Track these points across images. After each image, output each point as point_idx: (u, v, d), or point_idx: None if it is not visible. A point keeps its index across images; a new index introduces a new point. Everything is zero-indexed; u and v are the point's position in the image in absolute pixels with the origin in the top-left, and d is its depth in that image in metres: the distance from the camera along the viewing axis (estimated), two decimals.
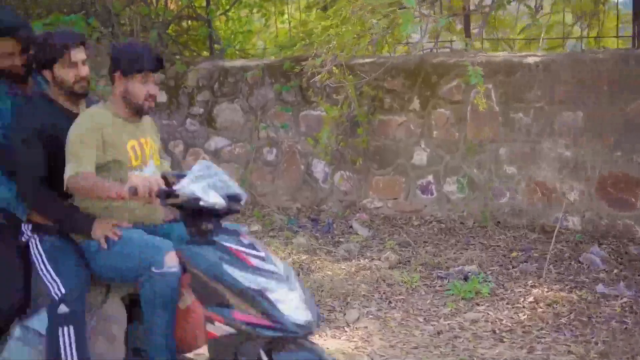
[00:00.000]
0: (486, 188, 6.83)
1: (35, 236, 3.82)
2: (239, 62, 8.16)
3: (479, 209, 6.88)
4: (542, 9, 7.58)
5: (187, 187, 3.34)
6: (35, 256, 3.78)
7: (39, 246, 3.79)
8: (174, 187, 3.40)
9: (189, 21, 9.27)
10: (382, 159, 7.28)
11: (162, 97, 8.29)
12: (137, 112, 3.80)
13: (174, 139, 8.27)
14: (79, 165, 3.57)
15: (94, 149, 3.64)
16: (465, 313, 5.21)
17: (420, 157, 7.14)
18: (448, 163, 7.02)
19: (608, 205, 6.41)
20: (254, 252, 3.42)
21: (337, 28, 6.86)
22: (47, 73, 3.78)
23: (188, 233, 3.51)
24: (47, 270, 3.71)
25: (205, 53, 8.97)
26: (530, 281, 5.63)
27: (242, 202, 3.54)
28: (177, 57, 8.44)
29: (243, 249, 3.40)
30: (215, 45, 8.78)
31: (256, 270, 3.32)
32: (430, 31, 7.57)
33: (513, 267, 5.95)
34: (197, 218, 3.44)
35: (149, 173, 3.80)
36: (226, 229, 3.49)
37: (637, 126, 6.24)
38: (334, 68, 6.79)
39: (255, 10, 9.33)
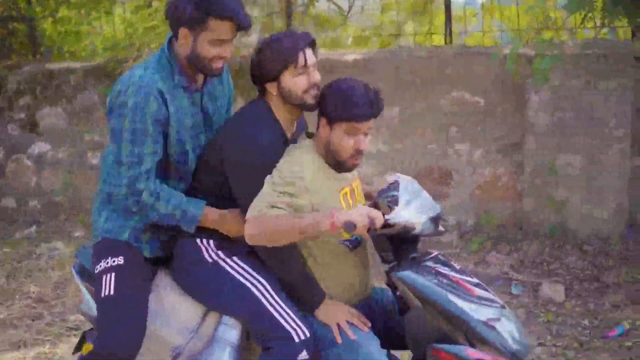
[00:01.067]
0: None
1: (239, 261, 3.13)
2: (62, 65, 7.97)
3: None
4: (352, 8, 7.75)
5: (402, 215, 2.90)
6: (260, 289, 3.05)
7: (257, 275, 3.08)
8: (387, 217, 2.87)
9: (13, 23, 8.98)
10: None
11: None
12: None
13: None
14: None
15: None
16: None
17: None
18: None
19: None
20: (468, 278, 3.02)
21: (160, 28, 6.83)
22: (271, 86, 3.08)
23: (393, 259, 3.02)
24: (281, 307, 3.01)
25: (31, 56, 8.73)
26: None
27: (445, 225, 3.16)
28: None
29: (459, 275, 3.00)
30: (42, 48, 8.56)
31: (479, 300, 2.93)
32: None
33: None
34: (398, 242, 3.00)
35: None
36: (427, 251, 3.10)
37: (450, 119, 6.49)
38: None
39: (83, 11, 9.13)
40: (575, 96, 6.02)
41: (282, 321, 2.96)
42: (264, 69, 3.03)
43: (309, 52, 3.05)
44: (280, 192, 2.91)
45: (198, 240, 3.13)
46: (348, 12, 6.59)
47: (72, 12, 9.11)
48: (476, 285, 2.99)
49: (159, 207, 3.04)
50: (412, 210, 2.92)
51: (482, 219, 6.44)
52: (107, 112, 3.17)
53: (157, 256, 3.26)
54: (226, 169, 3.05)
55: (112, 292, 3.10)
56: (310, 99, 3.04)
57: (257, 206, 2.88)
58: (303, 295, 3.02)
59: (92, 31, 9.10)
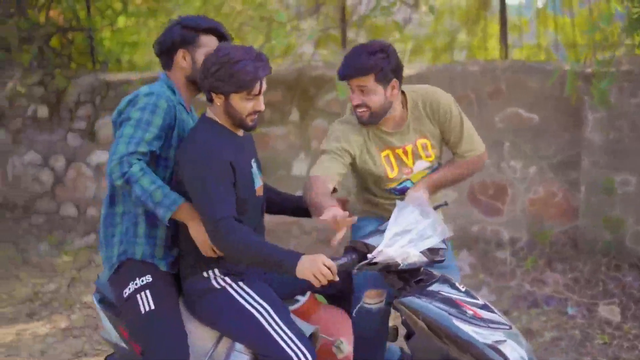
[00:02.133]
0: None
1: (245, 286, 3.26)
2: (120, 76, 8.13)
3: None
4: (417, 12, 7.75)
5: (384, 253, 2.99)
6: (264, 316, 3.16)
7: (262, 300, 3.21)
8: (369, 256, 3.00)
9: (73, 33, 9.16)
10: (263, 170, 7.35)
11: (44, 112, 8.23)
12: None
13: (54, 153, 8.19)
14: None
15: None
16: None
17: (300, 168, 7.26)
18: None
19: (478, 211, 6.66)
20: (474, 300, 3.08)
21: None
22: (217, 97, 3.19)
23: (399, 283, 3.15)
24: (284, 331, 3.13)
25: (91, 66, 8.90)
26: None
27: (443, 254, 3.18)
28: (59, 70, 8.34)
29: (464, 298, 3.07)
30: (99, 57, 8.72)
31: (485, 322, 2.98)
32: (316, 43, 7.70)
33: None
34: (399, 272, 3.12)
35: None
36: (433, 274, 3.18)
37: (504, 135, 6.49)
38: None
39: (142, 21, 9.28)
40: (632, 114, 5.98)
41: (284, 346, 3.07)
42: (218, 83, 3.11)
43: (264, 81, 3.17)
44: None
45: (204, 273, 3.24)
46: (404, 25, 6.61)
47: (130, 21, 9.27)
48: (482, 307, 3.05)
49: (143, 182, 3.11)
50: (397, 246, 3.00)
51: (536, 236, 6.42)
52: (114, 117, 3.36)
53: (173, 273, 3.36)
54: (185, 181, 3.14)
55: (152, 307, 3.24)
56: (249, 122, 3.20)
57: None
58: (278, 266, 2.98)
59: (149, 41, 9.23)
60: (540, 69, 6.44)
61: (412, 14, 6.46)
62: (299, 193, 7.10)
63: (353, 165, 3.59)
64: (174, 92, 3.39)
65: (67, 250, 7.22)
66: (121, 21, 9.30)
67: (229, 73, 3.07)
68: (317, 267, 2.90)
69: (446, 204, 3.64)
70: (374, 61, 3.38)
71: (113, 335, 3.47)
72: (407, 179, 3.64)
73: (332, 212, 2.97)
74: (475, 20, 8.48)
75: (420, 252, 3.05)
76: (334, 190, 3.43)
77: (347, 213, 3.00)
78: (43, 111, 8.31)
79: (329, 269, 2.92)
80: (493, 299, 5.58)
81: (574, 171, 6.29)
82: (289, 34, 6.38)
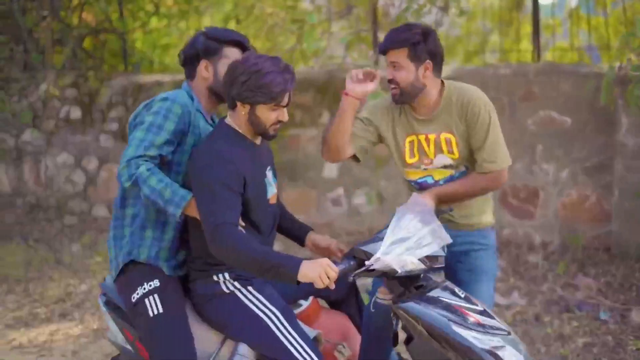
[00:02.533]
0: (394, 200, 6.97)
1: (254, 291, 3.27)
2: (152, 78, 8.18)
3: (387, 222, 7.01)
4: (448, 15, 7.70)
5: (381, 261, 3.00)
6: (273, 320, 3.18)
7: (271, 305, 3.23)
8: (367, 263, 3.00)
9: (106, 34, 9.23)
10: (293, 172, 7.39)
11: (76, 114, 8.30)
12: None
13: (87, 154, 8.27)
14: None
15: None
16: None
17: (330, 170, 7.26)
18: (357, 176, 7.16)
19: (510, 214, 6.62)
20: (473, 306, 3.09)
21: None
22: (243, 106, 3.18)
23: (400, 288, 3.15)
24: (292, 336, 3.16)
25: (123, 67, 8.97)
26: None
27: (442, 260, 3.17)
28: (92, 72, 8.42)
29: (463, 304, 3.08)
30: (132, 59, 8.79)
31: (483, 328, 2.99)
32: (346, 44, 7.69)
33: None
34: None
35: None
36: (433, 280, 3.17)
37: (536, 138, 6.45)
38: None
39: (174, 22, 9.33)
40: None
41: (293, 350, 3.10)
42: (247, 92, 3.11)
43: (291, 94, 3.19)
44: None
45: (214, 277, 3.25)
46: (436, 27, 6.57)
47: (162, 23, 9.33)
48: (481, 313, 3.05)
49: (151, 181, 3.12)
50: (394, 254, 3.00)
51: (568, 240, 6.37)
52: (131, 121, 3.40)
53: (177, 275, 3.38)
54: (192, 184, 3.14)
55: (161, 311, 3.26)
56: (272, 132, 3.22)
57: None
58: (277, 272, 2.95)
59: (181, 43, 9.28)
60: (573, 71, 6.39)
61: (444, 16, 6.42)
62: (330, 194, 7.10)
63: (382, 141, 3.70)
64: (192, 99, 3.41)
65: (99, 251, 7.28)
66: (153, 23, 9.37)
67: (259, 84, 3.08)
68: (322, 268, 2.91)
69: (451, 209, 3.58)
70: (409, 35, 3.43)
71: (119, 337, 3.50)
72: (429, 175, 3.63)
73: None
74: (507, 21, 8.44)
75: (419, 259, 3.05)
76: (355, 158, 3.64)
77: None
78: (76, 113, 8.39)
79: (334, 272, 2.94)
80: (524, 303, 5.54)
81: (607, 175, 6.23)
82: (321, 37, 6.38)
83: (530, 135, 6.49)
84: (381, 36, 7.60)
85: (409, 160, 3.62)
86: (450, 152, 3.56)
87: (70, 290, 6.28)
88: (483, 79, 6.62)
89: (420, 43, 3.43)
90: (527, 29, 8.17)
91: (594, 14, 7.91)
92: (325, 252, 3.49)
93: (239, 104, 3.15)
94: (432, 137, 3.56)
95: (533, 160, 6.50)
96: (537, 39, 7.07)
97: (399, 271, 3.01)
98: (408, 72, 3.46)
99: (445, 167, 3.60)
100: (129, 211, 3.40)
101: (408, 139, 3.60)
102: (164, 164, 3.28)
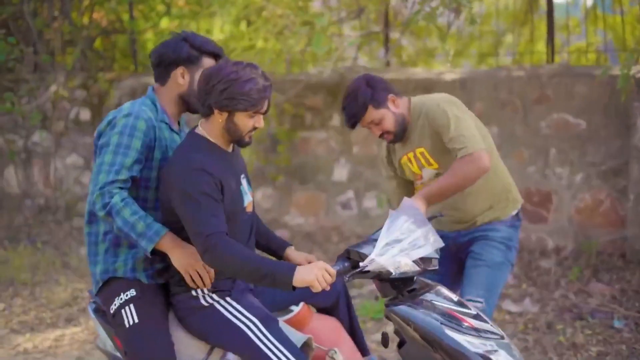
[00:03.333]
0: None
1: (232, 302, 3.28)
2: None
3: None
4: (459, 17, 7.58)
5: (376, 262, 3.02)
6: (252, 329, 3.18)
7: (250, 314, 3.23)
8: (361, 264, 3.04)
9: (116, 35, 9.18)
10: (303, 175, 7.32)
11: (86, 115, 8.26)
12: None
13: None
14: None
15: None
16: (372, 334, 5.24)
17: (340, 173, 7.18)
18: (368, 179, 7.08)
19: (522, 218, 6.50)
20: (466, 310, 3.12)
21: (256, 49, 6.90)
22: (220, 114, 3.15)
23: (392, 291, 3.19)
24: (273, 343, 3.16)
25: (134, 68, 8.91)
26: None
27: (436, 263, 3.19)
28: (101, 73, 8.37)
29: (457, 307, 3.11)
30: (142, 60, 8.73)
31: (477, 332, 3.02)
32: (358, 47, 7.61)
33: None
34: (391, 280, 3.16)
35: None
36: (427, 284, 3.23)
37: (550, 141, 6.34)
38: None
39: (185, 23, 9.26)
40: None
41: (273, 358, 3.10)
42: (226, 100, 3.09)
43: (270, 100, 3.20)
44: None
45: (193, 292, 3.25)
46: (448, 29, 6.49)
47: (173, 24, 9.26)
48: (474, 317, 3.08)
49: (125, 213, 3.13)
50: (388, 255, 3.02)
51: (582, 245, 6.26)
52: (95, 139, 3.37)
53: (157, 282, 3.37)
54: (172, 197, 3.13)
55: (136, 320, 3.27)
56: (247, 139, 3.22)
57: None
58: (272, 279, 2.97)
59: None
60: (587, 73, 6.28)
61: (455, 19, 6.31)
62: (340, 197, 7.02)
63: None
64: (156, 109, 3.37)
65: None
66: (164, 23, 9.30)
67: (239, 91, 3.08)
68: (320, 271, 2.93)
69: (441, 215, 3.68)
70: (361, 98, 3.70)
71: (108, 344, 3.50)
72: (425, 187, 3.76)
73: None
74: (522, 21, 8.31)
75: (413, 261, 3.07)
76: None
77: None
78: (85, 114, 8.35)
79: (330, 275, 2.96)
80: (536, 310, 5.44)
81: (622, 179, 6.12)
82: (332, 40, 6.30)
83: (544, 138, 6.38)
84: (392, 37, 7.52)
85: (408, 178, 3.99)
86: (429, 163, 3.82)
87: (76, 294, 6.23)
88: (496, 82, 6.53)
89: (373, 93, 3.72)
90: (542, 29, 8.06)
91: (611, 12, 7.77)
92: None
93: (216, 111, 3.14)
94: (410, 155, 3.87)
95: (546, 164, 6.39)
96: (552, 40, 6.95)
97: (394, 272, 3.03)
98: (387, 117, 3.75)
99: (436, 176, 3.83)
100: (101, 228, 3.39)
101: (402, 161, 3.94)
102: (133, 182, 3.26)
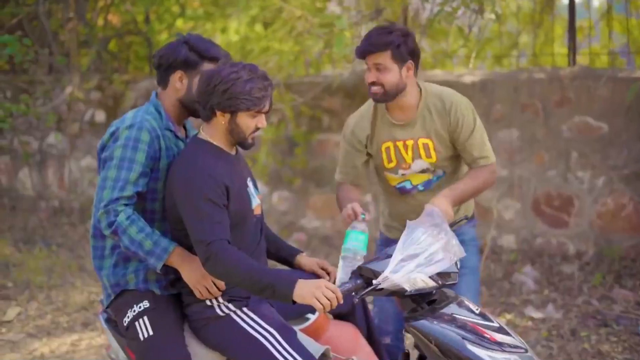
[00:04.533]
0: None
1: (249, 312, 3.22)
2: None
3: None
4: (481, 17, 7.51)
5: (390, 279, 2.95)
6: (271, 341, 3.13)
7: (267, 325, 3.18)
8: (375, 282, 2.97)
9: (131, 36, 9.14)
10: (320, 178, 7.26)
11: (101, 117, 8.22)
12: None
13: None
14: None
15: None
16: None
17: None
18: None
19: (543, 223, 6.43)
20: (488, 323, 3.03)
21: (275, 50, 6.84)
22: (223, 115, 3.13)
23: (412, 304, 3.12)
24: (291, 355, 3.10)
25: (149, 70, 8.87)
26: None
27: (455, 277, 3.13)
28: (116, 74, 8.33)
29: (479, 320, 3.02)
30: None
31: (500, 346, 2.94)
32: None
33: None
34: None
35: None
36: (447, 296, 3.15)
37: (571, 145, 6.26)
38: None
39: (200, 24, 9.23)
40: None
41: None
42: (228, 100, 3.07)
43: (271, 99, 3.17)
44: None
45: (207, 301, 3.20)
46: (469, 30, 6.42)
47: (188, 25, 9.23)
48: (497, 330, 2.99)
49: (131, 231, 3.07)
50: (403, 272, 2.94)
51: (603, 250, 6.17)
52: (99, 151, 3.30)
53: (170, 293, 3.30)
54: (177, 202, 3.09)
55: (151, 333, 3.20)
56: (250, 140, 3.19)
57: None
58: (272, 290, 2.95)
59: None
60: (610, 76, 6.19)
61: (477, 19, 6.24)
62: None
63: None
64: (160, 115, 3.29)
65: None
66: (179, 25, 9.26)
67: (241, 91, 3.05)
68: (320, 290, 2.89)
69: (466, 218, 3.61)
70: (392, 37, 3.47)
71: (120, 355, 3.42)
72: (407, 180, 3.71)
73: (348, 207, 3.36)
74: (538, 23, 8.23)
75: (430, 277, 3.00)
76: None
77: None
78: (100, 116, 8.31)
79: (333, 293, 2.92)
80: (560, 316, 5.35)
81: None
82: (353, 42, 6.23)
83: (565, 141, 6.30)
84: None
85: (387, 165, 3.68)
86: (428, 156, 3.66)
87: (93, 298, 6.17)
88: (517, 84, 6.46)
89: (402, 44, 3.49)
90: (558, 31, 7.97)
91: (628, 15, 7.68)
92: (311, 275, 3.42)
93: (218, 113, 3.12)
94: (409, 143, 3.65)
95: (567, 168, 6.31)
96: (573, 41, 6.86)
97: (409, 290, 2.96)
98: (392, 72, 3.51)
99: (423, 171, 3.69)
100: (107, 243, 3.31)
101: (384, 145, 3.67)
102: (139, 196, 3.19)
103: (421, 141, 3.65)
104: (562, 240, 6.36)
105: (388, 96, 3.55)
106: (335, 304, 2.90)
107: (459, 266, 3.15)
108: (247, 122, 3.12)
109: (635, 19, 7.59)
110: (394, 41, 3.46)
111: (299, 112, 7.21)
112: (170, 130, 3.30)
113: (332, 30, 6.23)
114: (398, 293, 3.00)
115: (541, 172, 6.38)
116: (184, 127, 3.46)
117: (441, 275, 3.03)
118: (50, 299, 6.20)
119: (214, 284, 3.13)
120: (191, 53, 3.26)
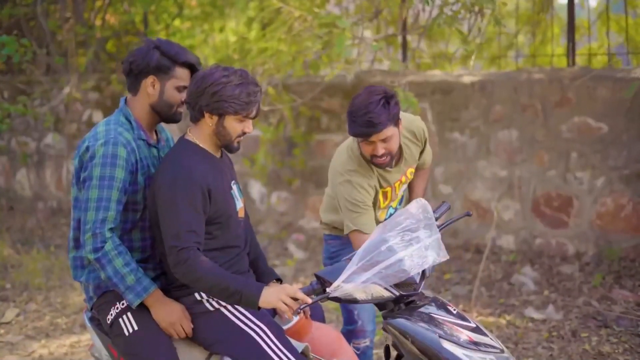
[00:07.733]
0: None
1: (240, 307, 3.27)
2: None
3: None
4: (482, 20, 7.49)
5: (342, 289, 2.97)
6: (262, 337, 3.19)
7: (257, 320, 3.24)
8: (327, 290, 3.01)
9: (129, 37, 9.13)
10: (319, 178, 7.24)
11: (99, 117, 8.19)
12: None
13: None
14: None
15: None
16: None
17: None
18: None
19: (542, 223, 6.42)
20: (465, 323, 3.07)
21: (273, 50, 6.82)
22: (211, 117, 3.16)
23: (386, 308, 3.18)
24: (281, 350, 3.17)
25: None
26: (461, 305, 5.60)
27: (417, 287, 3.13)
28: (114, 75, 8.31)
29: (455, 320, 3.06)
30: None
31: (476, 345, 2.98)
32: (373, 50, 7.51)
33: (445, 290, 5.91)
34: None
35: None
36: (426, 296, 3.18)
37: (571, 145, 6.25)
38: (269, 88, 6.75)
39: (197, 25, 9.22)
40: None
41: None
42: (217, 103, 3.10)
43: (259, 106, 3.22)
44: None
45: (196, 295, 3.25)
46: (469, 32, 6.39)
47: (185, 25, 9.22)
48: (474, 330, 3.04)
49: (117, 263, 3.11)
50: (357, 281, 2.95)
51: (603, 250, 6.16)
52: (76, 170, 3.31)
53: None
54: (157, 202, 3.14)
55: (135, 328, 3.23)
56: (236, 144, 3.23)
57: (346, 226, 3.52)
58: (238, 297, 3.03)
59: (204, 46, 9.16)
60: (609, 76, 6.18)
61: (476, 20, 6.22)
62: None
63: None
64: (131, 125, 3.29)
65: None
66: (177, 25, 9.25)
67: (231, 94, 3.10)
68: (284, 293, 3.00)
69: (469, 214, 3.65)
70: (389, 109, 3.43)
71: (103, 353, 3.46)
72: (390, 207, 3.82)
73: None
74: (535, 23, 8.22)
75: (386, 287, 3.02)
76: None
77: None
78: (98, 116, 8.29)
79: (294, 298, 3.01)
80: (560, 317, 5.34)
81: None
82: (354, 43, 6.22)
83: (565, 142, 6.29)
84: (410, 41, 7.42)
85: (382, 205, 3.75)
86: (407, 179, 3.85)
87: None
88: (516, 84, 6.44)
89: (394, 108, 3.46)
90: (555, 30, 7.96)
91: (624, 14, 7.67)
92: None
93: (206, 115, 3.16)
94: (403, 179, 3.79)
95: (567, 168, 6.30)
96: (572, 41, 6.84)
97: (360, 300, 3.01)
98: (395, 137, 3.50)
99: (402, 192, 3.89)
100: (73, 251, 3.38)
101: (383, 190, 3.71)
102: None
103: (409, 171, 3.83)
104: (562, 241, 6.35)
105: (394, 158, 3.59)
106: (295, 307, 2.99)
107: (431, 271, 3.18)
108: (234, 126, 3.17)
109: (632, 19, 7.58)
110: (392, 111, 3.43)
111: (297, 113, 7.20)
112: (143, 140, 3.31)
113: (332, 31, 6.21)
114: (351, 302, 3.06)
115: (541, 172, 6.37)
116: (155, 132, 3.45)
117: (400, 285, 3.07)
118: (48, 301, 6.18)
119: (183, 329, 3.21)
120: (163, 58, 3.26)
